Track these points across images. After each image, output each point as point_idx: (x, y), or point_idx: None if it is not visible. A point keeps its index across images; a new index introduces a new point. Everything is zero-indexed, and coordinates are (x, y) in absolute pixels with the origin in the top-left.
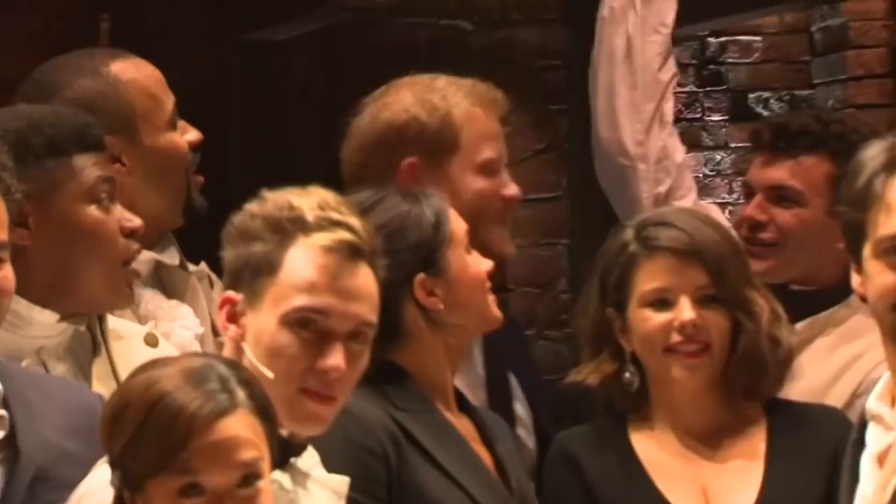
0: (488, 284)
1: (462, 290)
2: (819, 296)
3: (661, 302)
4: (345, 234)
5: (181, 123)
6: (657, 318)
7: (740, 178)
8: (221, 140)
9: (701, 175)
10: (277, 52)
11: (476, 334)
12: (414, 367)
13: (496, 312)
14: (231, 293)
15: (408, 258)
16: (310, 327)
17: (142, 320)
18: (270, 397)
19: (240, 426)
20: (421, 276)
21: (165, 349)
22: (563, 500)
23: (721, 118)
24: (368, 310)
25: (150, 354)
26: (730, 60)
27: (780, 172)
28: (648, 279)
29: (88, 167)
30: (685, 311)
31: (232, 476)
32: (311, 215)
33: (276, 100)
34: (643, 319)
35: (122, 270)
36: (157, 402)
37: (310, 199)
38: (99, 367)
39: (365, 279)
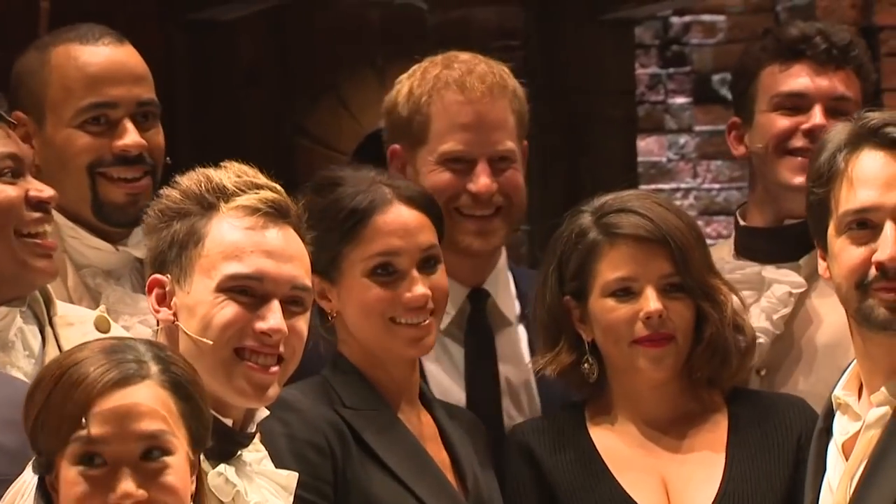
0: (399, 314)
1: (348, 309)
2: None
3: (625, 291)
4: (267, 194)
5: (124, 126)
6: (622, 308)
7: (705, 162)
8: (167, 124)
9: (664, 159)
10: (224, 32)
11: (388, 355)
12: (357, 362)
13: (398, 348)
14: (158, 276)
15: (312, 251)
16: (246, 293)
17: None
18: (206, 370)
19: (143, 396)
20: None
21: (117, 334)
22: (521, 494)
23: (685, 100)
24: (301, 272)
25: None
26: (693, 41)
27: (837, 83)
28: (611, 268)
29: None
30: (651, 301)
31: (132, 447)
32: (229, 182)
33: (224, 82)
34: (607, 310)
35: (21, 241)
36: (64, 373)
37: (226, 171)
38: (48, 356)
39: (293, 241)
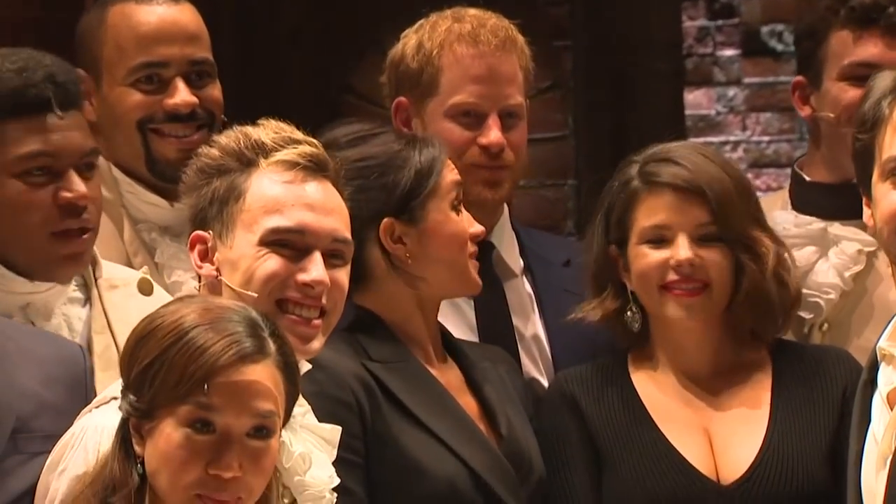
0: (471, 248)
1: (434, 245)
2: None
3: (660, 239)
4: (305, 149)
5: (175, 85)
6: (654, 255)
7: (754, 114)
8: None
9: (713, 112)
10: None
11: (449, 295)
12: (385, 313)
13: (473, 278)
14: (200, 232)
15: (379, 196)
16: (288, 246)
17: (159, 269)
18: None
19: (264, 375)
20: (388, 219)
21: (160, 297)
22: (563, 442)
23: (733, 52)
24: (341, 225)
25: (144, 303)
26: None
27: None
28: (648, 215)
29: (21, 137)
30: (682, 249)
31: (246, 422)
32: (268, 138)
33: (268, 40)
34: (640, 256)
35: (49, 242)
36: (187, 332)
37: (264, 128)
38: (94, 320)
39: (332, 195)
